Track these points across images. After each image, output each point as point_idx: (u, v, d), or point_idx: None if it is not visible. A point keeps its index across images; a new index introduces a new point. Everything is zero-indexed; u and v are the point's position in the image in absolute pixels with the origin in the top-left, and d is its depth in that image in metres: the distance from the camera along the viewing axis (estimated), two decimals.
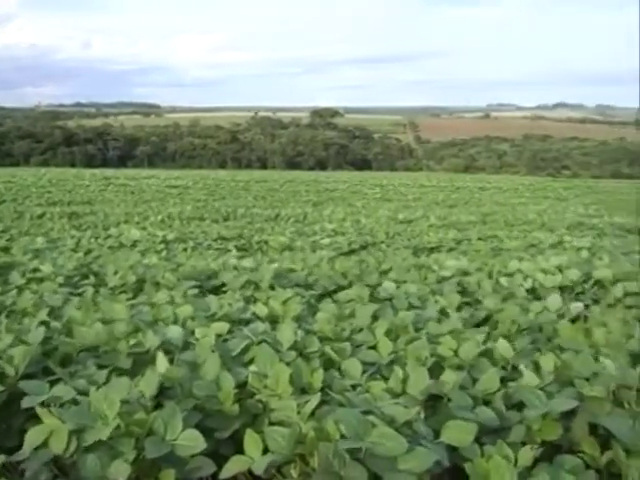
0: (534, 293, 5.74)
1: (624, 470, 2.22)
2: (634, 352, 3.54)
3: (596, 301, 5.74)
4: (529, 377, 2.86)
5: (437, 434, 2.36)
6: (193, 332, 3.54)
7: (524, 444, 2.42)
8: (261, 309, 4.34)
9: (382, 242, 11.49)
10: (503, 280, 6.10)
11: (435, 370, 3.05)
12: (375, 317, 4.15)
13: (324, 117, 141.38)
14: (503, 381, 2.98)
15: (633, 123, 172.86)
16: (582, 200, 30.46)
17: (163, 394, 2.68)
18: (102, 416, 2.30)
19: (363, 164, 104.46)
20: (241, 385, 2.74)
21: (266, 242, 13.30)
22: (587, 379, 2.94)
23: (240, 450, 2.30)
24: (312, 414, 2.35)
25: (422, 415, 2.55)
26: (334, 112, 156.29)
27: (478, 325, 4.39)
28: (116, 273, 6.29)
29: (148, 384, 2.60)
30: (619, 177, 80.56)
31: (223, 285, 6.00)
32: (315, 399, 2.38)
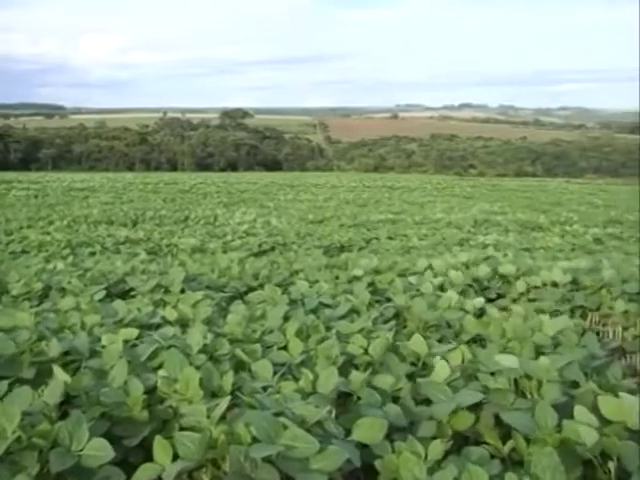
0: (443, 290, 5.85)
1: (525, 458, 2.29)
2: (537, 344, 3.67)
3: (501, 296, 5.91)
4: (437, 372, 2.92)
5: (348, 432, 2.38)
6: (100, 339, 3.45)
7: (434, 438, 2.47)
8: (171, 313, 4.28)
9: (293, 243, 11.51)
10: (412, 278, 6.20)
11: (345, 369, 3.07)
12: (286, 318, 4.15)
13: (234, 118, 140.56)
14: (412, 377, 3.04)
15: (533, 123, 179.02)
16: (487, 198, 31.31)
17: (69, 403, 2.61)
18: (0, 430, 2.21)
19: (274, 165, 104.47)
20: (150, 391, 2.70)
21: (176, 245, 13.12)
22: (492, 373, 3.02)
23: (150, 457, 2.26)
24: (223, 418, 2.33)
25: (333, 414, 2.57)
26: (244, 113, 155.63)
27: (388, 323, 4.45)
28: (19, 280, 6.07)
29: (52, 393, 2.52)
30: (522, 175, 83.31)
31: (132, 290, 5.89)
32: (225, 402, 2.36)
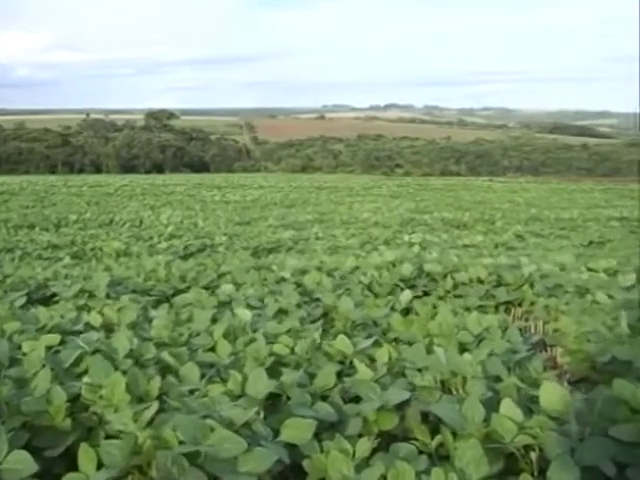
0: (370, 289, 5.91)
1: (452, 452, 2.33)
2: (463, 341, 3.75)
3: (427, 293, 6.01)
4: (362, 371, 2.95)
5: (277, 433, 2.38)
6: (20, 346, 3.36)
7: (362, 436, 2.49)
8: (95, 318, 4.19)
9: (220, 244, 11.42)
10: (340, 277, 6.25)
11: (274, 369, 3.07)
12: (214, 320, 4.12)
13: (159, 119, 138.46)
14: (341, 376, 3.06)
15: (457, 123, 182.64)
16: (414, 197, 31.73)
17: None
18: None
19: (201, 166, 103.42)
20: (75, 398, 2.64)
21: (100, 249, 12.85)
22: (419, 369, 3.07)
23: (75, 467, 2.21)
24: (150, 423, 2.30)
25: (262, 415, 2.56)
26: (169, 114, 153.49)
27: (316, 322, 4.47)
28: None
29: None
30: (447, 174, 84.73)
31: (54, 295, 5.75)
32: (152, 407, 2.33)
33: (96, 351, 3.14)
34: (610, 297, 5.44)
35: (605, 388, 2.75)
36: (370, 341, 3.51)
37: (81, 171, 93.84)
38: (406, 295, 5.18)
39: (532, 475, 2.31)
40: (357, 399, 2.77)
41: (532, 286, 5.94)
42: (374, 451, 2.40)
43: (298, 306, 4.85)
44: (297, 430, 2.35)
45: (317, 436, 2.43)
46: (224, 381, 2.92)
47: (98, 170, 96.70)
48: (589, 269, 6.93)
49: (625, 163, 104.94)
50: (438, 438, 2.51)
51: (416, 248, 8.36)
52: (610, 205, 26.78)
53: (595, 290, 5.73)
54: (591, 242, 12.89)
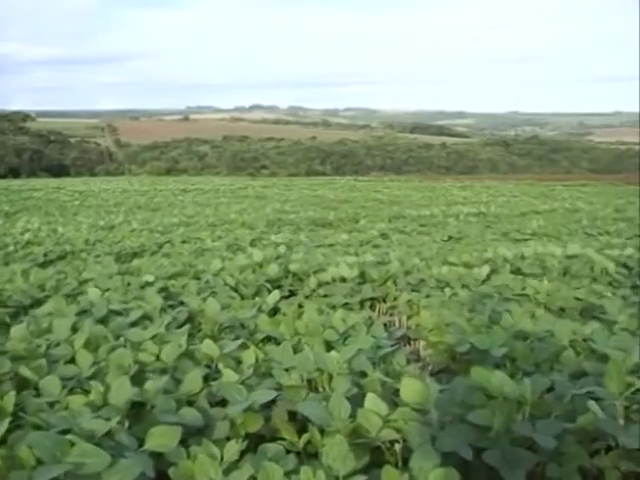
0: (237, 290, 5.88)
1: (319, 449, 2.35)
2: (329, 339, 3.80)
3: (294, 293, 6.05)
4: (227, 373, 2.93)
5: (143, 442, 2.33)
6: None
7: (230, 439, 2.47)
8: None
9: (82, 250, 11.02)
10: (206, 280, 6.19)
11: (139, 377, 3.00)
12: (75, 329, 3.98)
13: (14, 121, 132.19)
14: (207, 380, 3.03)
15: (322, 123, 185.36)
16: (280, 197, 31.87)
17: None
18: None
19: (60, 170, 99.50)
20: None
21: None
22: (286, 369, 3.08)
23: None
24: (3, 442, 2.18)
25: (126, 425, 2.49)
26: (25, 116, 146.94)
27: (182, 327, 4.40)
28: None
29: None
30: (313, 174, 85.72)
31: None
32: (3, 425, 2.22)
33: None
34: (468, 289, 5.70)
35: (464, 377, 2.86)
36: (237, 343, 3.49)
37: None
38: (273, 296, 5.19)
39: (396, 466, 2.37)
40: (224, 402, 2.75)
41: (396, 282, 6.10)
42: (243, 453, 2.39)
43: (163, 311, 4.76)
44: (162, 437, 2.30)
45: (184, 442, 2.39)
46: (86, 392, 2.82)
47: None
48: (448, 263, 7.20)
49: (481, 161, 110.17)
50: (306, 436, 2.53)
51: (282, 248, 8.39)
52: (468, 202, 27.90)
53: (454, 283, 5.98)
54: (450, 237, 13.38)
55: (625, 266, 7.14)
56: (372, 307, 5.84)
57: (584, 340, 3.88)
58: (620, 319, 4.62)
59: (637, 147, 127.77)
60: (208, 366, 3.30)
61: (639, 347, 3.45)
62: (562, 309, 5.41)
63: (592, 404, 2.49)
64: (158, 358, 3.25)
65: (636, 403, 2.62)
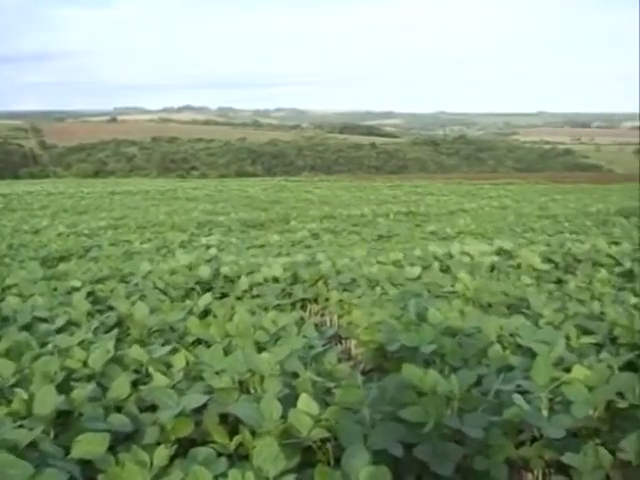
0: (166, 294, 5.81)
1: (250, 451, 2.34)
2: (260, 340, 3.79)
3: (225, 295, 6.01)
4: (157, 378, 2.89)
5: (69, 451, 2.27)
6: None
7: (160, 444, 2.44)
8: None
9: (5, 255, 10.71)
10: (135, 283, 6.10)
11: (65, 385, 2.93)
12: None
13: None
14: (137, 385, 2.98)
15: (252, 124, 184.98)
16: (210, 199, 31.62)
17: None
18: None
19: None
20: None
21: None
22: (217, 372, 3.06)
23: None
24: None
25: (52, 434, 2.43)
26: None
27: (110, 332, 4.32)
28: None
29: None
30: (244, 175, 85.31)
31: None
32: None
33: None
34: (398, 288, 5.76)
35: (395, 374, 2.89)
36: (167, 347, 3.45)
37: None
38: (204, 298, 5.14)
39: (328, 465, 2.38)
40: (154, 407, 2.71)
41: (327, 282, 6.13)
42: (174, 458, 2.36)
43: (90, 316, 4.66)
44: (90, 445, 2.25)
45: (112, 449, 2.35)
46: (9, 402, 2.73)
47: None
48: (379, 262, 7.26)
49: (410, 161, 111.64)
50: (237, 438, 2.52)
51: (213, 250, 8.33)
52: (398, 201, 28.25)
53: (384, 282, 6.04)
54: (380, 236, 13.52)
55: (550, 261, 7.34)
56: (304, 307, 5.85)
57: (511, 335, 3.97)
58: (545, 313, 4.75)
59: (560, 146, 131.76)
60: (137, 371, 3.24)
61: (563, 340, 3.55)
62: (490, 305, 5.52)
63: (517, 397, 2.55)
64: (85, 364, 3.18)
65: (560, 395, 2.69)
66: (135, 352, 3.31)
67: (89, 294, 5.49)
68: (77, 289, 5.79)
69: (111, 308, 5.03)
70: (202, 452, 2.39)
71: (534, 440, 2.62)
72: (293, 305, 5.76)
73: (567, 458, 2.38)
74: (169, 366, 3.23)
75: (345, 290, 5.91)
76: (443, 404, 2.57)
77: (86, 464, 2.26)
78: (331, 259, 7.24)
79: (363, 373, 3.94)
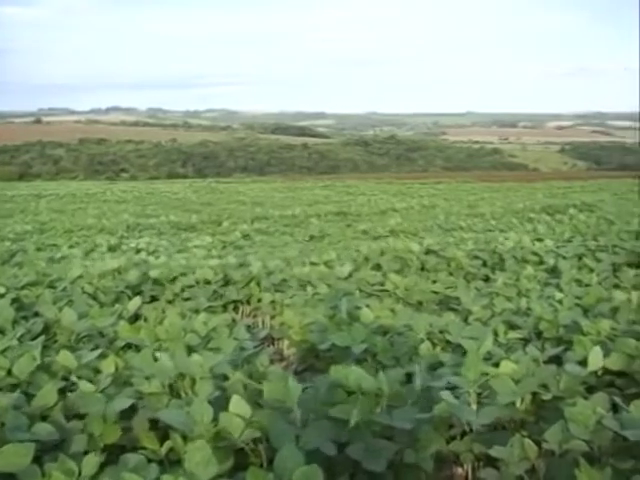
0: (96, 298, 5.70)
1: (182, 455, 2.31)
2: (191, 343, 3.75)
3: (156, 298, 5.93)
4: (84, 385, 2.83)
5: None
6: None
7: (88, 452, 2.39)
8: None
9: None
10: (63, 288, 5.96)
11: None
12: None
13: None
14: (64, 392, 2.91)
15: (182, 125, 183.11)
16: (140, 201, 31.15)
17: None
18: None
19: None
20: None
21: None
22: (147, 377, 3.01)
23: None
24: None
25: None
26: None
27: (37, 338, 4.21)
28: None
29: None
30: (174, 177, 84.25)
31: None
32: None
33: None
34: (330, 287, 5.79)
35: (326, 374, 2.90)
36: (95, 353, 3.38)
37: None
38: (134, 302, 5.06)
39: (261, 467, 2.37)
40: (82, 415, 2.66)
41: (259, 283, 6.11)
42: (104, 466, 2.31)
43: (16, 323, 4.53)
44: (13, 456, 2.19)
45: (38, 460, 2.28)
46: None
47: None
48: (311, 262, 7.29)
49: (342, 161, 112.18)
50: (168, 443, 2.49)
51: (143, 253, 8.22)
52: (330, 201, 28.39)
53: (316, 282, 6.06)
54: (312, 237, 13.57)
55: (477, 258, 7.49)
56: (236, 309, 5.82)
57: (440, 332, 4.04)
58: (474, 309, 4.85)
59: (488, 146, 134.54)
60: (65, 378, 3.17)
61: (491, 336, 3.62)
62: (420, 303, 5.61)
63: (445, 393, 2.60)
64: (10, 373, 3.09)
65: (488, 389, 2.75)
66: (63, 358, 3.23)
67: (14, 300, 5.32)
68: (1, 295, 5.60)
69: (37, 314, 4.90)
70: (132, 459, 2.36)
71: (464, 434, 2.67)
72: (225, 307, 5.73)
73: (495, 451, 2.43)
74: (98, 372, 3.17)
75: (277, 291, 5.91)
76: (372, 402, 2.60)
77: (10, 477, 2.19)
78: (263, 260, 7.23)
79: (296, 373, 3.95)
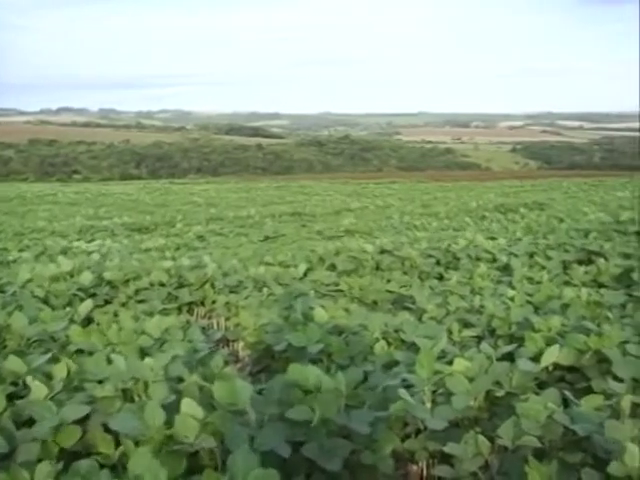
0: (47, 302, 5.60)
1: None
2: (143, 346, 3.72)
3: (109, 301, 5.86)
4: (35, 390, 2.77)
5: None
6: None
7: (41, 460, 2.34)
8: None
9: None
10: (12, 292, 5.85)
11: None
12: None
13: None
14: (13, 399, 2.85)
15: (136, 126, 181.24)
16: (93, 203, 30.76)
17: None
18: None
19: None
20: None
21: None
22: (100, 381, 2.97)
23: None
24: None
25: None
26: None
27: None
28: None
29: None
30: (128, 178, 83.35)
31: None
32: None
33: None
34: (284, 288, 5.78)
35: (282, 375, 2.89)
36: (46, 357, 3.32)
37: None
38: (86, 305, 4.99)
39: (216, 470, 2.36)
40: (32, 421, 2.61)
41: (213, 285, 6.08)
42: (58, 474, 2.27)
43: None
44: None
45: None
46: None
47: None
48: (265, 263, 7.27)
49: (296, 161, 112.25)
50: (120, 448, 2.46)
51: (96, 256, 8.11)
52: (284, 201, 28.39)
53: (271, 282, 6.05)
54: (267, 237, 13.55)
55: (431, 257, 7.56)
56: (190, 311, 5.78)
57: (395, 331, 4.06)
58: (428, 308, 4.89)
59: (441, 146, 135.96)
60: (15, 383, 3.11)
61: (445, 334, 3.66)
62: (375, 302, 5.63)
63: (402, 392, 2.61)
64: None
65: (442, 387, 2.77)
66: (12, 363, 3.16)
67: None
68: None
69: None
70: (84, 465, 2.32)
71: (419, 432, 2.69)
72: (179, 309, 5.69)
73: (449, 448, 2.45)
74: (49, 377, 3.12)
75: (232, 292, 5.89)
76: (330, 402, 2.60)
77: None
78: (217, 261, 7.19)
79: (251, 375, 3.94)
